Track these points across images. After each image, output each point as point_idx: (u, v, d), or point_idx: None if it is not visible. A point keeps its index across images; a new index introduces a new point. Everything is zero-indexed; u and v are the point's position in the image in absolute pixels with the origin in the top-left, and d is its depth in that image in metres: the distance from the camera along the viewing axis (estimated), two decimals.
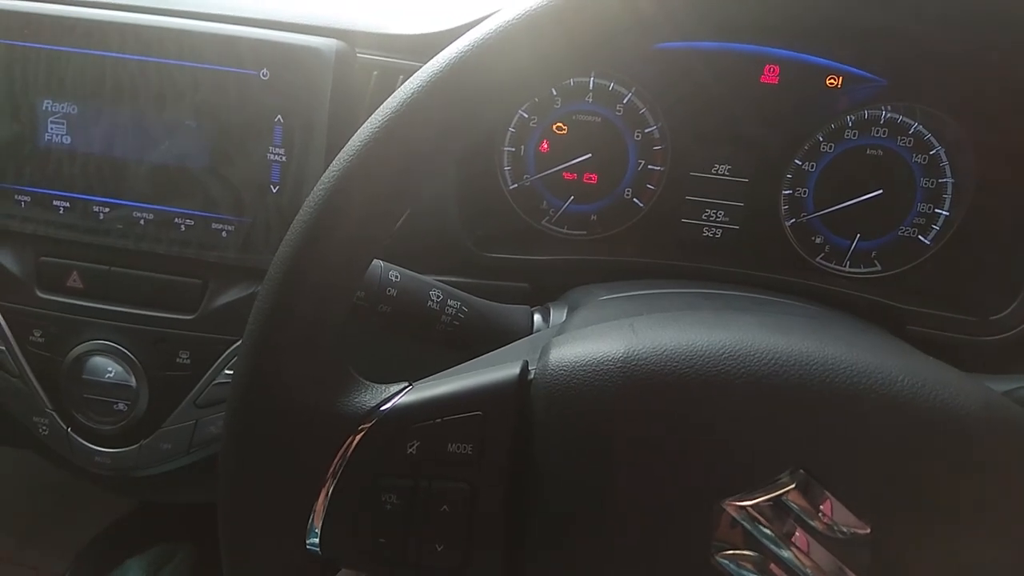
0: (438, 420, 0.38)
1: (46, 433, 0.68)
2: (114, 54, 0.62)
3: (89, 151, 0.64)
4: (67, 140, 0.64)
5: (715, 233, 0.72)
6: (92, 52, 0.63)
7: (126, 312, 0.66)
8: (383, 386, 0.40)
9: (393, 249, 0.64)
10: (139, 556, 0.84)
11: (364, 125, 0.37)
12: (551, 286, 0.65)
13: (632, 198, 0.72)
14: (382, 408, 0.39)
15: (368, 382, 0.40)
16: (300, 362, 0.38)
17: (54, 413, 0.67)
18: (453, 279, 0.64)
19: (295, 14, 0.64)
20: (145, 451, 0.67)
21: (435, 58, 0.38)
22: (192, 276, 0.65)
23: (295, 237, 0.37)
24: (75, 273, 0.66)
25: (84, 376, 0.66)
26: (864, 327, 0.58)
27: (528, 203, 0.73)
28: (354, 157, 0.37)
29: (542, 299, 0.61)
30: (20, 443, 0.72)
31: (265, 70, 0.61)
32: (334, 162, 0.37)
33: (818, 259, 0.71)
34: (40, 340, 0.66)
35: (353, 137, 0.38)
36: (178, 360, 0.65)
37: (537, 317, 0.57)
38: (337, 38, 0.62)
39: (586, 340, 0.40)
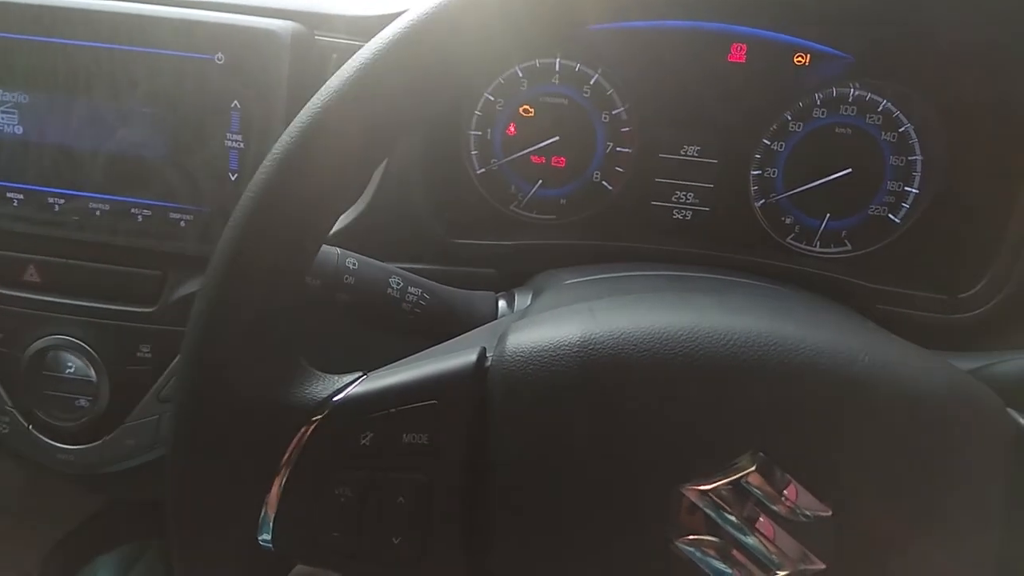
0: (392, 410, 0.37)
1: (7, 431, 0.66)
2: (65, 40, 0.61)
3: (42, 141, 0.63)
4: (19, 130, 0.63)
5: (685, 215, 0.71)
6: (42, 39, 0.61)
7: (85, 306, 0.64)
8: (336, 376, 0.39)
9: (359, 237, 0.63)
10: (109, 554, 0.83)
11: (306, 107, 0.36)
12: (521, 272, 0.64)
13: (601, 181, 0.71)
14: (334, 399, 0.38)
15: (320, 372, 0.39)
16: (247, 352, 0.37)
17: (14, 411, 0.66)
18: (420, 267, 0.63)
19: None
20: (109, 447, 0.66)
21: (376, 36, 0.36)
22: (151, 268, 0.64)
23: (237, 223, 0.36)
24: (32, 267, 0.65)
25: (44, 372, 0.65)
26: (828, 306, 0.57)
27: (496, 188, 0.72)
28: (296, 137, 0.36)
29: (512, 285, 0.60)
30: None
31: (220, 54, 0.60)
32: (277, 142, 0.36)
33: (788, 239, 0.70)
34: None
35: (296, 118, 0.36)
36: (139, 354, 0.64)
37: (502, 303, 0.56)
38: (294, 20, 0.61)
39: (544, 325, 0.39)
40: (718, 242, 0.68)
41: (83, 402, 0.65)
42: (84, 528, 0.84)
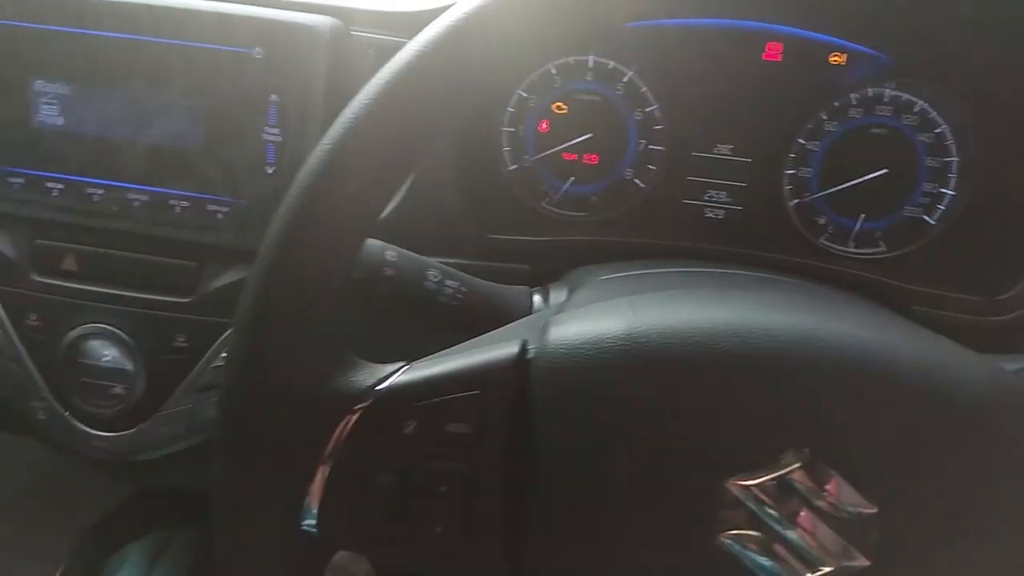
0: (435, 399, 0.37)
1: (43, 418, 0.67)
2: (106, 33, 0.61)
3: (82, 132, 0.64)
4: (60, 121, 0.64)
5: (717, 214, 0.71)
6: (83, 31, 0.62)
7: (122, 295, 0.65)
8: (380, 365, 0.39)
9: (393, 231, 0.63)
10: (139, 542, 0.84)
11: (352, 101, 0.37)
12: (553, 268, 0.64)
13: (633, 179, 0.71)
14: (378, 388, 0.38)
15: (364, 361, 0.40)
16: (294, 341, 0.37)
17: (51, 398, 0.67)
18: (453, 261, 0.63)
19: None
20: (143, 435, 0.66)
21: (423, 32, 0.37)
22: (188, 258, 0.65)
23: (286, 215, 0.36)
24: (70, 256, 0.66)
25: (81, 360, 0.65)
26: (868, 306, 0.57)
27: (528, 185, 0.72)
28: (343, 134, 0.36)
29: (543, 281, 0.60)
30: (18, 429, 0.71)
31: (259, 48, 0.60)
32: (324, 138, 0.37)
33: (822, 240, 0.70)
34: (36, 324, 0.66)
35: (342, 113, 0.37)
36: (175, 343, 0.65)
37: (537, 298, 0.56)
38: (332, 15, 0.61)
39: (586, 318, 0.39)
40: (750, 241, 0.68)
41: (119, 390, 0.65)
42: (114, 516, 0.85)
